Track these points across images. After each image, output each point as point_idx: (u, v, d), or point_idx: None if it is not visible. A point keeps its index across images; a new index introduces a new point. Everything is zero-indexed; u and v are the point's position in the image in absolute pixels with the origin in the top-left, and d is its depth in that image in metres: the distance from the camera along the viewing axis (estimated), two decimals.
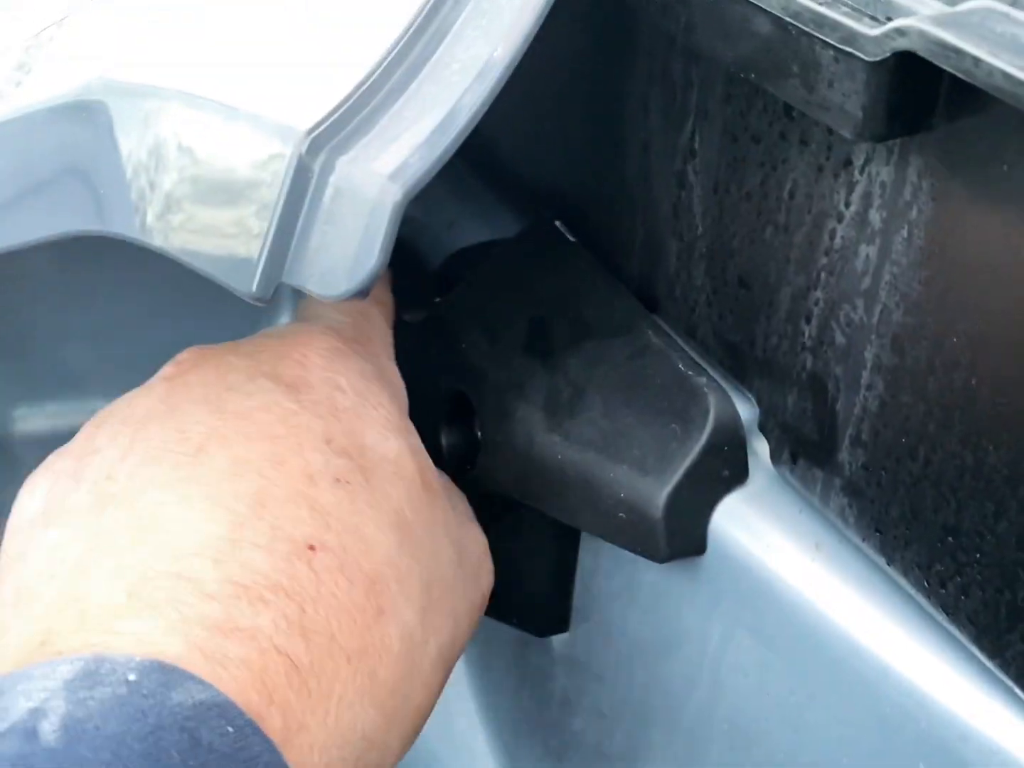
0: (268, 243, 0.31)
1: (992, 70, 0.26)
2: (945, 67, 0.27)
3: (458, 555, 0.42)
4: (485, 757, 0.60)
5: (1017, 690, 0.33)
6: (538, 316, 0.48)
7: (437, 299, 0.54)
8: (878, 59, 0.28)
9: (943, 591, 0.35)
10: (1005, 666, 0.33)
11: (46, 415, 0.79)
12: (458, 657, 0.43)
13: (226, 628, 0.31)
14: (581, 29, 0.45)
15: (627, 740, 0.50)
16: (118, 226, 0.34)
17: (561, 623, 0.51)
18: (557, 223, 0.50)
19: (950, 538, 0.34)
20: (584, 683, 0.52)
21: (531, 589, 0.51)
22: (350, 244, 0.31)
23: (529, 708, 0.57)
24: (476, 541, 0.45)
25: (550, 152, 0.52)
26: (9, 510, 0.42)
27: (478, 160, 0.58)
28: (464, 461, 0.51)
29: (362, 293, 0.30)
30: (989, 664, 0.34)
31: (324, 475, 0.36)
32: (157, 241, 0.34)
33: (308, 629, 0.33)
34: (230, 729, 0.29)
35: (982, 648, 0.34)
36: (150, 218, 0.34)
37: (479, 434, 0.50)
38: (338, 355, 0.41)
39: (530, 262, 0.50)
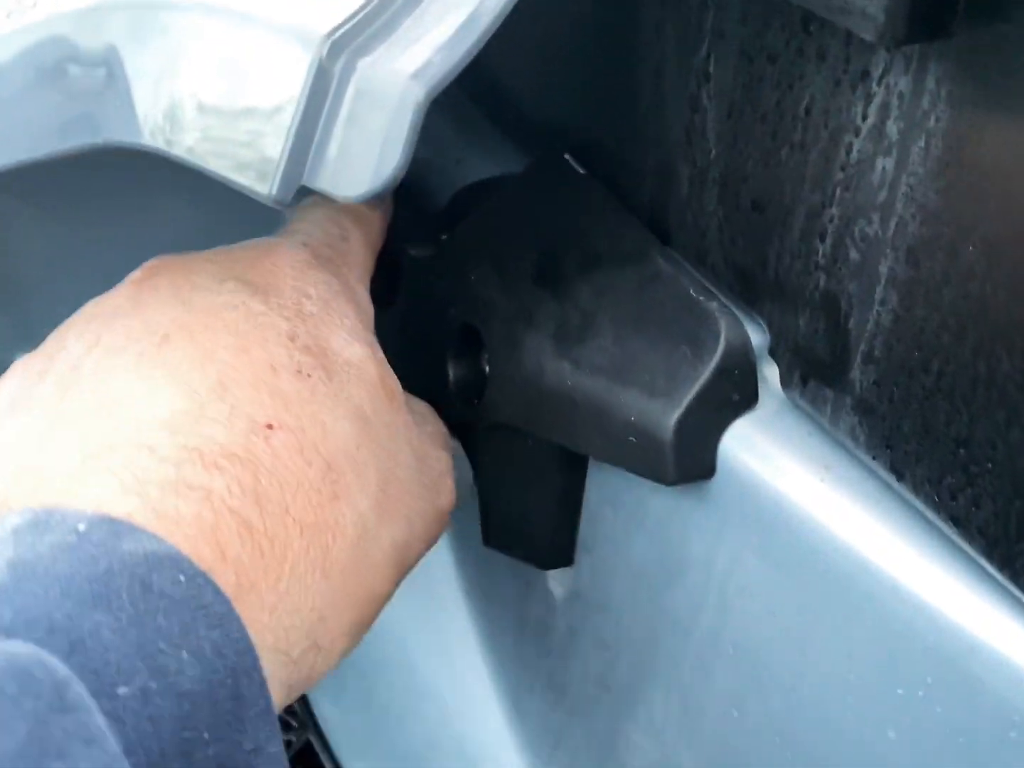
0: (288, 146, 0.31)
1: None
2: None
3: (418, 464, 0.43)
4: (487, 692, 0.61)
5: None
6: (548, 247, 0.48)
7: (444, 235, 0.54)
8: None
9: (954, 503, 0.35)
10: (1015, 576, 0.34)
11: None
12: (414, 564, 0.44)
13: (180, 488, 0.32)
14: None
15: (631, 670, 0.50)
16: (137, 135, 0.34)
17: (566, 556, 0.52)
18: (566, 156, 0.50)
19: (962, 450, 0.34)
20: (587, 615, 0.52)
21: (537, 522, 0.51)
22: (372, 144, 0.31)
23: (531, 643, 0.57)
24: (440, 459, 0.46)
25: (559, 83, 0.52)
26: None
27: (485, 97, 0.58)
28: (471, 394, 0.51)
29: (382, 194, 0.30)
30: (998, 576, 0.34)
31: (287, 367, 0.37)
32: (176, 150, 0.33)
33: (262, 496, 0.33)
34: (182, 578, 0.29)
35: (992, 560, 0.34)
36: (168, 126, 0.34)
37: (487, 367, 0.50)
38: (308, 267, 0.42)
39: (539, 195, 0.50)
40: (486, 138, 0.58)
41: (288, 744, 0.69)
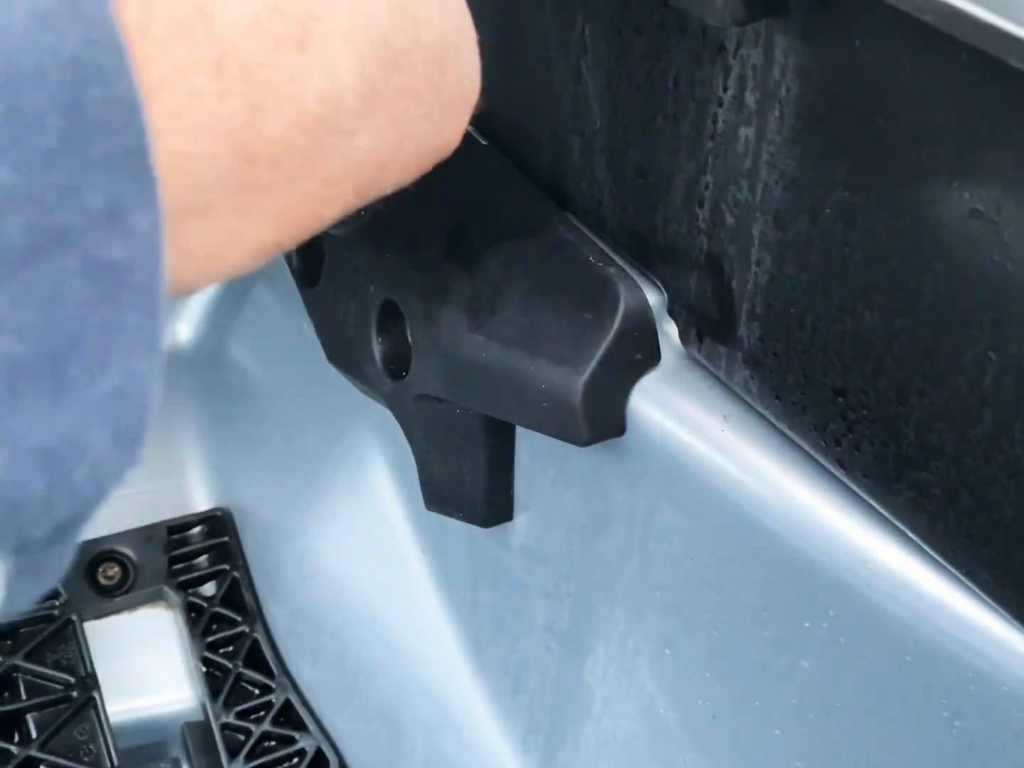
0: None
1: None
2: None
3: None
4: (450, 644, 0.63)
5: (908, 532, 0.36)
6: (456, 220, 0.49)
7: (362, 211, 0.55)
8: None
9: (838, 448, 0.37)
10: (897, 512, 0.36)
11: None
12: (374, 193, 0.31)
13: None
14: None
15: (573, 616, 0.53)
16: None
17: (505, 512, 0.54)
18: (469, 128, 0.51)
19: (840, 399, 0.36)
20: (531, 567, 0.55)
21: (472, 484, 0.53)
22: None
23: (486, 594, 0.60)
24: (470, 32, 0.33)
25: None
26: None
27: None
28: (399, 368, 0.53)
29: None
30: (884, 512, 0.37)
31: None
32: None
33: None
34: None
35: (876, 498, 0.37)
36: None
37: (410, 340, 0.52)
38: None
39: (445, 168, 0.52)
40: None
41: (269, 705, 0.72)
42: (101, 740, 0.68)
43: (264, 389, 0.82)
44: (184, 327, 0.84)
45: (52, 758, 0.67)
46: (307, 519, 0.74)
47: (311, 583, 0.74)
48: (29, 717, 0.69)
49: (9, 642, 0.72)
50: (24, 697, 0.69)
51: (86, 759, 0.67)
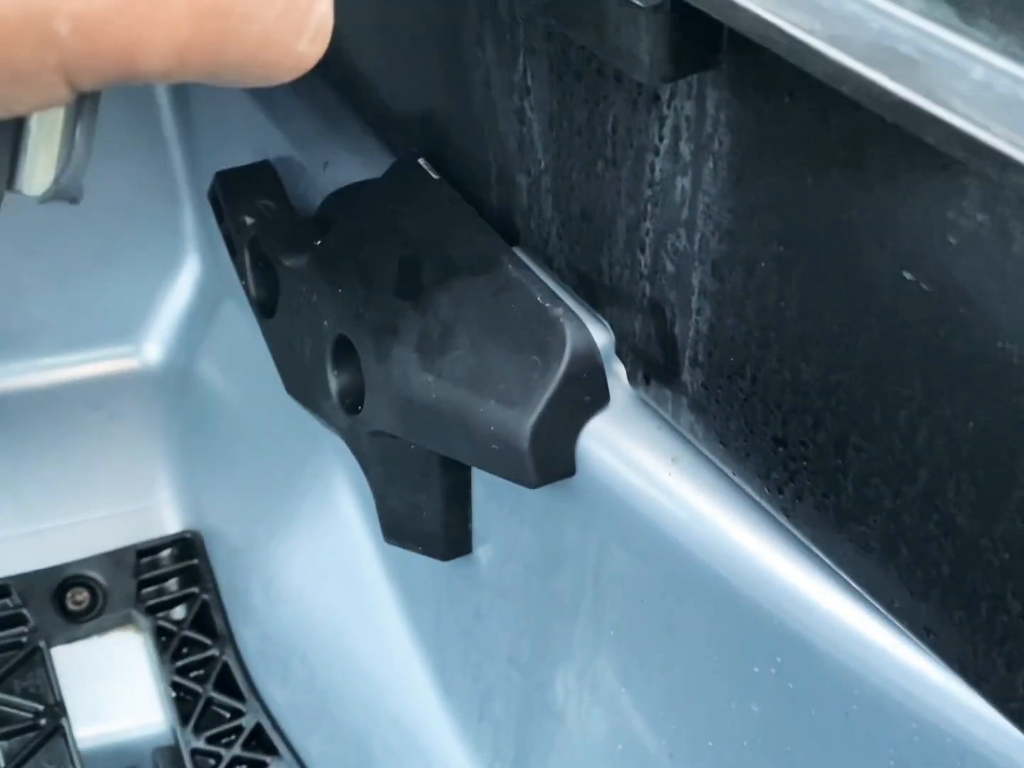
0: None
1: (748, 15, 0.27)
2: (707, 11, 0.28)
3: None
4: (416, 670, 0.63)
5: (851, 581, 0.36)
6: (408, 256, 0.49)
7: (317, 242, 0.55)
8: (654, 4, 0.29)
9: (781, 496, 0.37)
10: (839, 562, 0.36)
11: None
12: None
13: None
14: None
15: (532, 649, 0.52)
16: None
17: (464, 546, 0.54)
18: (421, 161, 0.51)
19: (780, 448, 0.36)
20: (491, 599, 0.54)
21: (429, 519, 0.53)
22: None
23: (449, 624, 0.60)
24: None
25: (410, 90, 0.52)
26: None
27: (350, 99, 0.59)
28: (353, 402, 0.53)
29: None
30: (827, 560, 0.36)
31: None
32: None
33: None
34: None
35: (819, 546, 0.36)
36: None
37: (364, 376, 0.51)
38: None
39: (398, 202, 0.51)
40: (354, 138, 0.58)
41: (239, 729, 0.72)
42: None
43: (233, 410, 0.81)
44: (152, 347, 0.84)
45: None
46: (275, 543, 0.74)
47: (280, 607, 0.74)
48: None
49: None
50: None
51: None
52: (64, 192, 0.28)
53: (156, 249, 0.82)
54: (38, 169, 0.27)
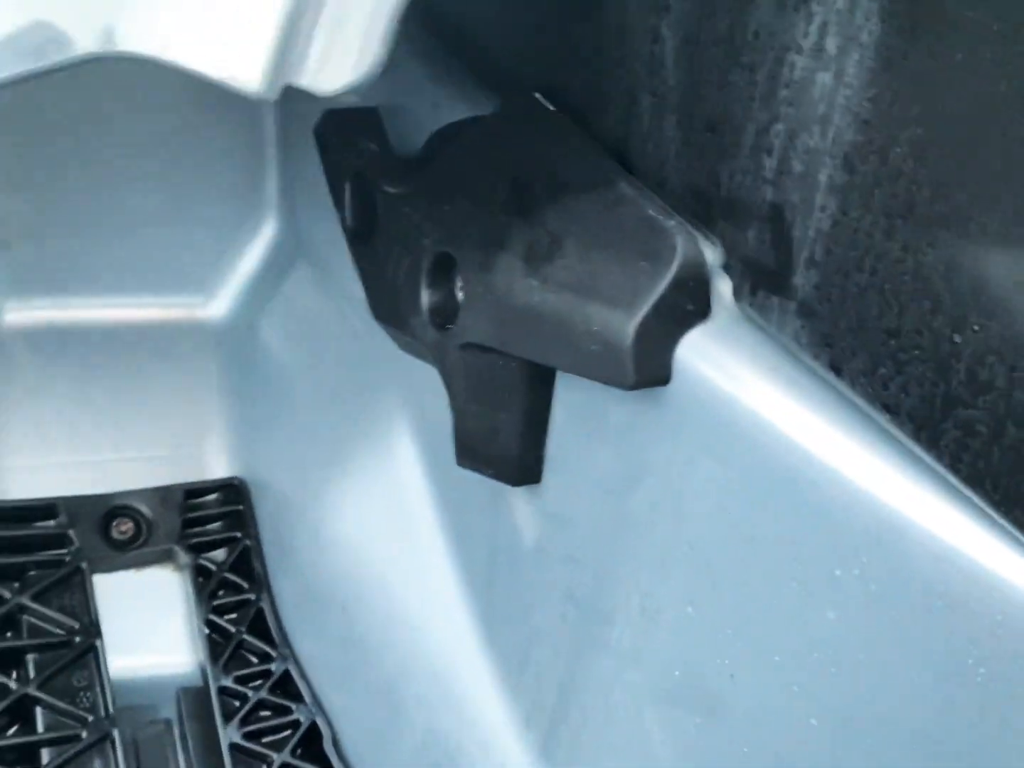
0: (275, 44, 0.34)
1: None
2: None
3: None
4: (459, 616, 0.64)
5: (951, 477, 0.37)
6: (519, 178, 0.51)
7: (420, 173, 0.57)
8: None
9: (886, 392, 0.38)
10: (940, 456, 0.37)
11: (33, 309, 0.82)
12: None
13: None
14: None
15: (595, 580, 0.53)
16: (129, 44, 0.37)
17: (534, 474, 0.55)
18: (536, 95, 0.53)
19: (892, 341, 0.37)
20: (555, 531, 0.55)
21: (506, 440, 0.54)
22: (353, 41, 0.33)
23: (502, 564, 0.60)
24: None
25: (528, 25, 0.55)
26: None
27: (460, 45, 0.61)
28: (444, 319, 0.54)
29: (362, 87, 0.33)
30: (926, 457, 0.37)
31: None
32: (168, 55, 0.36)
33: None
34: None
35: (920, 441, 0.37)
36: (161, 28, 0.36)
37: (460, 293, 0.53)
38: None
39: (511, 131, 0.53)
40: (462, 83, 0.60)
41: (267, 673, 0.72)
42: (99, 689, 0.68)
43: (290, 369, 0.83)
44: (221, 301, 0.85)
45: (49, 699, 0.66)
46: (325, 493, 0.75)
47: (324, 556, 0.74)
48: (29, 657, 0.69)
49: (16, 584, 0.72)
50: (26, 636, 0.69)
51: (82, 705, 0.67)
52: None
53: (237, 207, 0.84)
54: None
